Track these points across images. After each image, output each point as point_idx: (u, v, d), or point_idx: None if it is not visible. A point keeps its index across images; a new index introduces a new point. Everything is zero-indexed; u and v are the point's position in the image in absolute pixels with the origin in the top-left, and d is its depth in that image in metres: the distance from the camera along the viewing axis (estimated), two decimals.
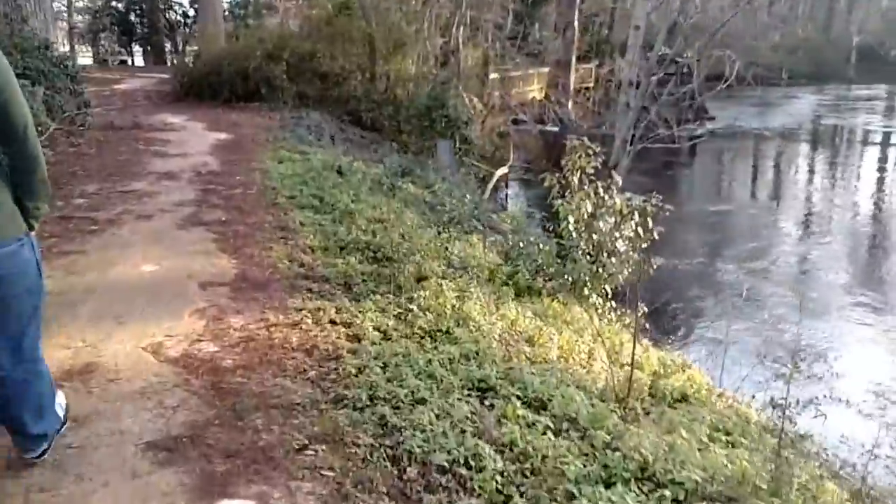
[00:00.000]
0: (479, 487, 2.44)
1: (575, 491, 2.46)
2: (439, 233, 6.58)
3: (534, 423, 2.88)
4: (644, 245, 5.86)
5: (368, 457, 2.56)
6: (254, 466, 2.50)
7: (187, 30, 25.34)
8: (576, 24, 23.34)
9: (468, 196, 9.51)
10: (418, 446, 2.59)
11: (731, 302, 9.92)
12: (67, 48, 21.94)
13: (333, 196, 6.75)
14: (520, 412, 2.95)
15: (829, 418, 3.53)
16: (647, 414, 3.58)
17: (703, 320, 9.60)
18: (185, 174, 7.55)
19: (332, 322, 3.86)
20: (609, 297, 5.98)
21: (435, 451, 2.56)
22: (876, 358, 8.26)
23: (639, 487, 2.59)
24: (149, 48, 25.82)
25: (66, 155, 8.18)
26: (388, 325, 3.86)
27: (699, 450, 3.17)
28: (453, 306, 4.33)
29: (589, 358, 4.33)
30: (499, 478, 2.50)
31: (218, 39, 16.20)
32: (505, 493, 2.46)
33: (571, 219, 5.96)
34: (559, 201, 6.09)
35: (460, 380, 3.25)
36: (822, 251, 13.20)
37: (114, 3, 24.96)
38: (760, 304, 9.99)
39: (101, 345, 3.42)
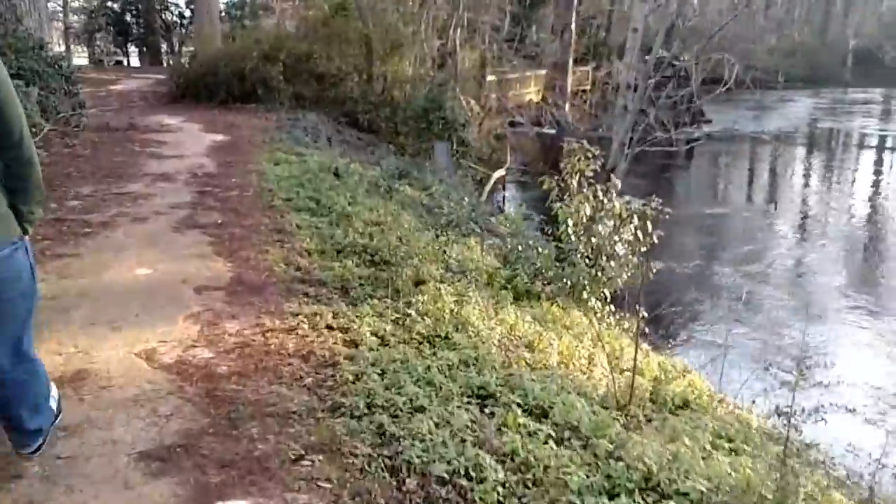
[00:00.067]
0: (480, 499, 2.39)
1: (578, 502, 2.41)
2: (437, 236, 6.52)
3: (535, 432, 2.83)
4: (643, 249, 5.84)
5: (366, 467, 2.50)
6: (249, 477, 2.43)
7: (183, 30, 25.26)
8: (573, 26, 23.38)
9: (466, 198, 9.46)
10: (417, 456, 2.53)
11: (728, 306, 9.88)
12: (63, 48, 21.85)
13: (330, 198, 6.70)
14: (521, 420, 2.89)
15: (832, 425, 3.49)
16: (650, 421, 3.53)
17: (701, 324, 9.56)
18: (181, 176, 7.48)
19: (329, 327, 3.80)
20: (608, 300, 5.95)
21: (434, 461, 2.51)
22: (874, 362, 8.23)
23: (643, 498, 2.54)
24: (145, 49, 25.72)
25: (61, 156, 8.11)
26: (385, 331, 3.80)
27: (703, 458, 3.12)
28: (452, 311, 4.28)
29: (589, 363, 4.28)
30: (500, 489, 2.44)
31: (214, 40, 16.14)
32: None
33: (570, 222, 5.93)
34: (558, 204, 6.05)
35: (460, 387, 3.20)
36: (818, 254, 13.19)
37: (109, 4, 24.85)
38: (757, 308, 9.96)
39: (93, 351, 3.35)
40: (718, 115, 25.04)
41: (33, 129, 7.22)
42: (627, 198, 6.15)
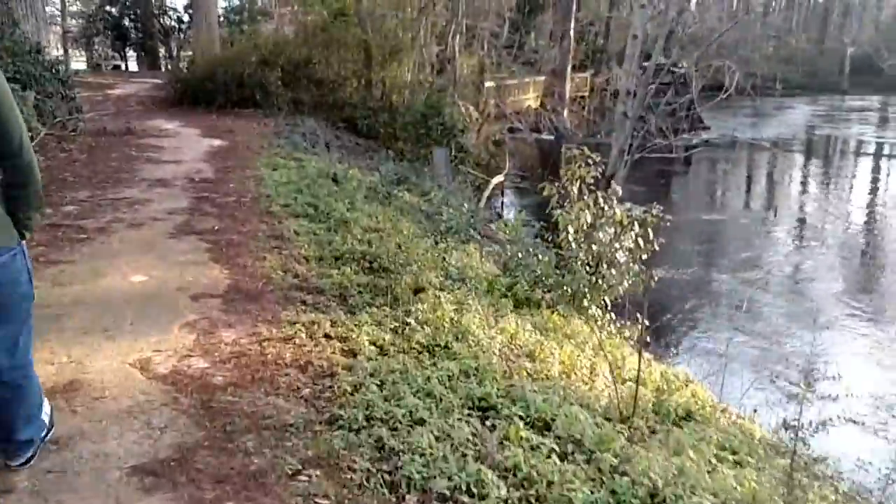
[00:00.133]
0: None
1: None
2: (436, 242, 6.47)
3: (538, 446, 2.77)
4: (644, 256, 5.79)
5: (365, 483, 2.44)
6: (244, 493, 2.37)
7: (182, 35, 25.19)
8: (571, 33, 23.41)
9: (465, 205, 9.43)
10: (417, 472, 2.46)
11: (728, 314, 9.83)
12: (61, 52, 21.79)
13: (328, 204, 6.64)
14: (523, 434, 2.83)
15: (838, 437, 3.44)
16: (653, 433, 3.47)
17: (701, 332, 9.51)
18: (178, 181, 7.42)
19: (327, 336, 3.74)
20: (608, 308, 5.90)
21: (435, 476, 2.44)
22: (874, 371, 8.17)
23: None
24: (143, 53, 25.64)
25: (57, 161, 8.05)
26: (384, 340, 3.74)
27: (708, 472, 3.06)
28: (451, 319, 4.22)
29: (591, 373, 4.22)
30: None
31: (213, 45, 16.09)
32: None
33: (571, 229, 5.88)
34: (558, 211, 6.01)
35: (460, 398, 3.13)
36: (816, 261, 13.14)
37: (108, 8, 24.80)
38: (757, 315, 9.90)
39: (86, 360, 3.29)
40: (716, 122, 25.07)
41: (29, 134, 7.16)
42: (628, 205, 6.12)
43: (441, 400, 3.06)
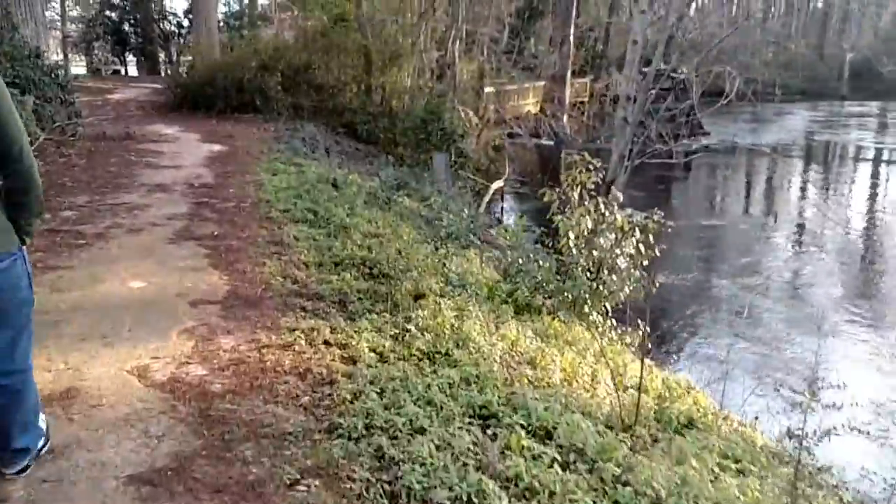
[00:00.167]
0: None
1: None
2: (436, 248, 6.45)
3: (540, 455, 2.73)
4: (645, 262, 5.77)
5: (364, 493, 2.40)
6: (242, 503, 2.34)
7: (181, 40, 25.21)
8: (571, 38, 23.44)
9: (465, 210, 9.40)
10: (418, 481, 2.43)
11: (728, 319, 9.81)
12: (61, 57, 21.80)
13: (328, 210, 6.62)
14: (524, 442, 2.80)
15: (840, 445, 3.40)
16: (655, 441, 3.44)
17: (701, 338, 9.47)
18: (178, 186, 7.41)
19: (327, 343, 3.72)
20: (608, 314, 5.87)
21: (436, 486, 2.41)
22: (874, 377, 8.14)
23: None
24: (143, 58, 25.68)
25: (56, 166, 8.03)
26: (384, 347, 3.71)
27: (710, 481, 3.03)
28: (452, 326, 4.19)
29: (592, 380, 4.19)
30: None
31: (212, 50, 16.10)
32: None
33: (572, 235, 5.86)
34: (559, 217, 5.99)
35: (461, 406, 3.10)
36: (815, 266, 13.12)
37: (108, 13, 24.84)
38: (757, 321, 9.87)
39: (84, 367, 3.26)
40: (716, 128, 25.06)
41: (28, 139, 7.14)
42: (629, 210, 6.09)
43: (442, 408, 3.03)
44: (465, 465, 2.58)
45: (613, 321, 5.78)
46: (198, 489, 2.39)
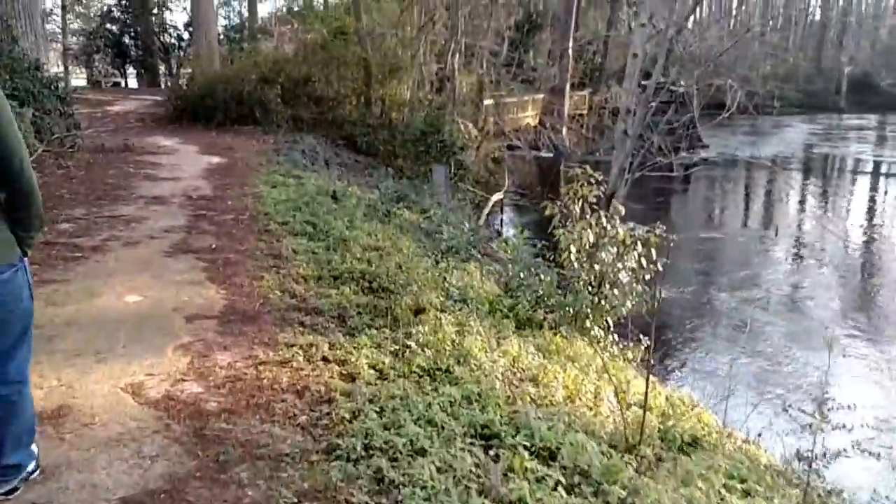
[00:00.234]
0: None
1: None
2: (436, 262, 6.38)
3: (543, 478, 2.66)
4: (648, 277, 5.71)
5: None
6: None
7: (182, 52, 25.29)
8: (570, 51, 23.52)
9: (465, 223, 9.36)
10: None
11: (728, 334, 9.74)
12: (61, 69, 21.83)
13: (327, 222, 6.57)
14: (528, 464, 2.73)
15: (846, 463, 3.33)
16: (660, 461, 3.37)
17: (702, 353, 9.39)
18: (176, 199, 7.36)
19: (325, 359, 3.65)
20: (610, 329, 5.80)
21: None
22: (873, 391, 8.06)
23: None
24: (143, 70, 25.75)
25: (54, 178, 7.98)
26: (384, 363, 3.64)
27: (717, 503, 2.95)
28: (453, 342, 4.12)
29: (595, 397, 4.11)
30: None
31: (212, 62, 16.13)
32: None
33: (573, 248, 5.80)
34: (561, 231, 5.93)
35: (462, 426, 3.03)
36: (815, 280, 13.07)
37: (108, 26, 24.92)
38: (758, 335, 9.79)
39: (77, 384, 3.19)
40: (715, 141, 25.11)
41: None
42: (631, 224, 6.04)
43: (443, 428, 2.96)
44: (467, 488, 2.51)
45: (615, 336, 5.71)
46: None
